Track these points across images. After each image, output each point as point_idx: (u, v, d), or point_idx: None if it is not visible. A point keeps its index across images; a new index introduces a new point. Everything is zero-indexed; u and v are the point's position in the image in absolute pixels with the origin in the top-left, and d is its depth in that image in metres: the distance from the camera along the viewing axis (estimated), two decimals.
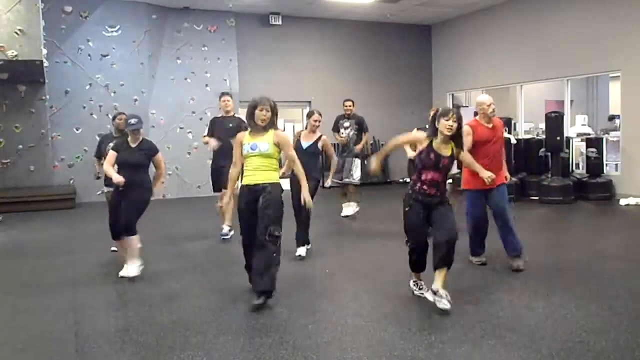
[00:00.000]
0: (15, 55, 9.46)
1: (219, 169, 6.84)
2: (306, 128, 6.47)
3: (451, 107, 4.53)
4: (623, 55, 10.01)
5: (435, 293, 4.13)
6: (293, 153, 4.67)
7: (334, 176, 7.11)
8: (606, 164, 10.67)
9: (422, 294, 4.43)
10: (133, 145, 5.42)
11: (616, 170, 10.79)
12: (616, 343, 3.47)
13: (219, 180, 6.91)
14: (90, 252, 6.63)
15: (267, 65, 12.93)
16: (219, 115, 7.39)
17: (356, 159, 8.60)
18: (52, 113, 11.05)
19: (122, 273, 5.35)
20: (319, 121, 6.32)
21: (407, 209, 4.32)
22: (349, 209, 8.70)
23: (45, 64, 10.18)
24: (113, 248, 6.40)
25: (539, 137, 11.37)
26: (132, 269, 5.27)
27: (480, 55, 13.16)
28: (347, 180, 8.56)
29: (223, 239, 6.99)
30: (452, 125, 4.13)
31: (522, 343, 3.51)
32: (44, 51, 9.99)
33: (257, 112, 4.41)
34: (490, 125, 5.33)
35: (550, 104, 13.45)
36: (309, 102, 13.33)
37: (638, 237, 7.19)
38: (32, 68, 9.87)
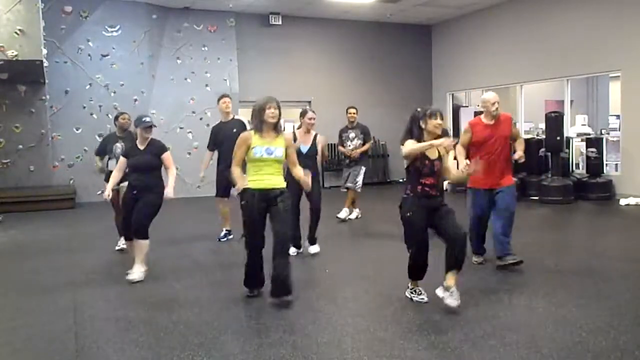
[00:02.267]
0: (15, 55, 9.46)
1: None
2: (299, 128, 6.29)
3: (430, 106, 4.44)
4: (623, 55, 10.01)
5: (447, 289, 4.09)
6: (295, 158, 4.65)
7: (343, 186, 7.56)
8: (606, 164, 10.67)
9: (423, 299, 4.33)
10: (142, 148, 5.35)
11: (616, 170, 10.80)
12: (616, 343, 3.47)
13: (228, 186, 6.67)
14: (90, 252, 6.63)
15: (267, 65, 12.92)
16: (218, 121, 7.17)
17: (362, 167, 8.50)
18: (52, 113, 11.05)
19: (135, 278, 5.23)
20: (314, 119, 6.20)
21: (409, 214, 4.21)
22: (343, 212, 8.57)
23: (45, 64, 10.19)
24: (117, 247, 6.43)
25: (539, 137, 11.37)
26: (136, 273, 5.22)
27: (480, 55, 13.16)
28: (350, 185, 8.47)
29: (221, 240, 7.03)
30: (440, 123, 4.18)
31: (522, 343, 3.51)
32: (44, 51, 10.00)
33: (266, 111, 4.37)
34: (492, 122, 5.29)
35: (550, 104, 13.45)
36: (309, 102, 13.33)
37: (638, 237, 7.19)
38: (32, 68, 9.87)
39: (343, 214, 8.58)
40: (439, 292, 4.18)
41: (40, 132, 10.90)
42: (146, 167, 5.29)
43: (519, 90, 12.48)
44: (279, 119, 4.44)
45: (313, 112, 6.26)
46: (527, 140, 11.06)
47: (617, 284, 4.83)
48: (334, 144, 12.32)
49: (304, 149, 6.08)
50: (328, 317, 4.12)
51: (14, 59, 9.46)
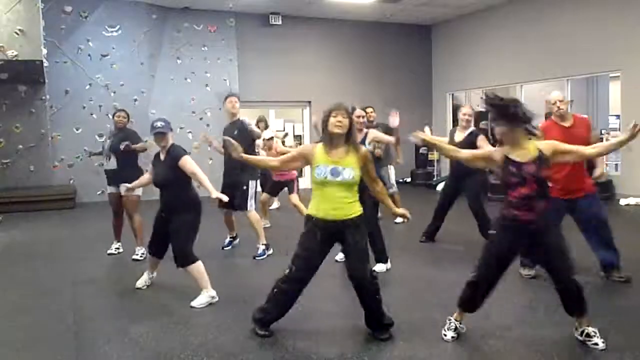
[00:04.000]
0: (15, 55, 9.46)
1: (234, 183, 6.06)
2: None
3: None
4: (623, 55, 10.01)
5: (582, 333, 3.49)
6: (375, 175, 3.76)
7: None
8: (606, 164, 10.66)
9: (455, 336, 3.60)
10: (162, 158, 4.62)
11: (616, 170, 10.79)
12: (616, 343, 3.47)
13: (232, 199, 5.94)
14: (90, 252, 6.62)
15: (267, 65, 12.92)
16: (226, 122, 6.48)
17: (391, 168, 8.24)
18: (52, 113, 11.04)
19: (140, 282, 5.01)
20: (362, 116, 5.49)
21: (492, 232, 3.53)
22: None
23: (45, 64, 10.18)
24: (110, 251, 6.38)
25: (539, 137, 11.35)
26: (200, 298, 4.51)
27: (480, 55, 13.16)
28: (390, 191, 7.95)
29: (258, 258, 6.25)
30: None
31: (522, 343, 3.51)
32: (44, 51, 10.00)
33: (331, 119, 3.53)
34: (568, 124, 4.74)
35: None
36: (309, 102, 13.33)
37: (638, 237, 7.19)
38: (32, 68, 9.87)
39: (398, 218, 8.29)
40: (577, 335, 3.54)
41: (40, 132, 10.90)
42: (163, 181, 4.58)
43: (519, 90, 12.48)
44: (349, 129, 3.55)
45: (363, 109, 5.66)
46: None
47: (617, 283, 4.83)
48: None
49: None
50: (328, 317, 4.12)
51: (14, 59, 9.46)
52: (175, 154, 4.56)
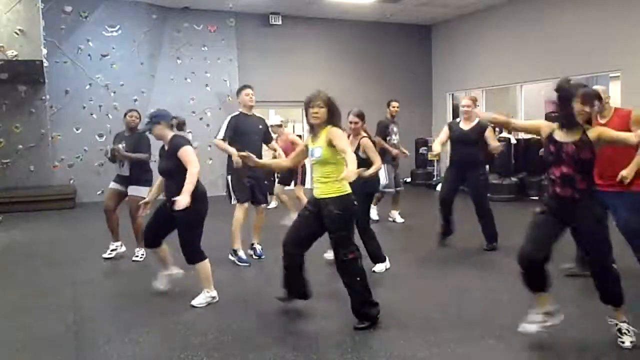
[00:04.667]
0: (15, 55, 9.46)
1: (252, 179, 5.81)
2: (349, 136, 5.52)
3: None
4: (623, 55, 10.01)
5: (620, 331, 3.47)
6: (345, 146, 3.69)
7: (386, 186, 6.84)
8: None
9: (546, 325, 3.48)
10: (167, 148, 4.51)
11: None
12: (616, 343, 3.47)
13: (261, 187, 5.96)
14: (90, 252, 6.62)
15: (267, 65, 12.92)
16: (238, 112, 6.03)
17: (389, 165, 7.97)
18: (52, 113, 11.04)
19: (158, 285, 4.81)
20: (355, 122, 5.61)
21: (537, 210, 3.54)
22: (397, 216, 8.24)
23: (45, 64, 10.18)
24: (106, 255, 6.29)
25: (539, 137, 11.34)
26: (200, 297, 4.50)
27: (480, 55, 13.16)
28: (401, 189, 8.17)
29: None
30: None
31: (522, 343, 3.51)
32: (44, 51, 9.99)
33: (309, 110, 3.85)
34: (604, 121, 4.55)
35: (550, 104, 13.45)
36: None
37: None
38: (32, 68, 9.87)
39: (399, 218, 8.23)
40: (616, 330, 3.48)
41: (40, 132, 10.90)
42: (167, 171, 4.46)
43: (519, 90, 12.48)
44: (328, 118, 3.79)
45: (356, 114, 5.64)
46: (527, 141, 11.15)
47: None
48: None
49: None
50: (328, 317, 4.12)
51: (14, 59, 9.46)
52: (176, 143, 4.44)
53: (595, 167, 3.93)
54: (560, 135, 3.43)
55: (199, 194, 4.31)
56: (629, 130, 4.24)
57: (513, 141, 10.44)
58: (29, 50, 9.54)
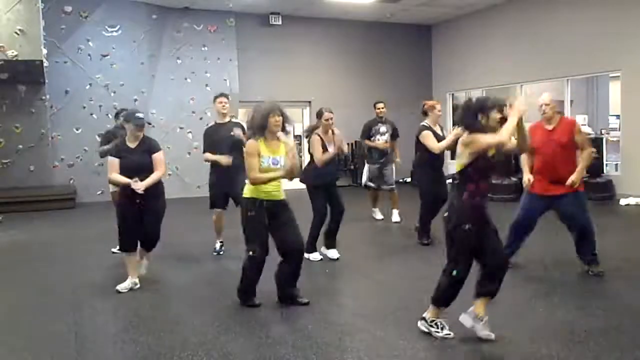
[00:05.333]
0: (15, 55, 9.46)
1: (228, 184, 5.99)
2: (314, 129, 5.94)
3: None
4: (623, 55, 10.01)
5: (481, 320, 3.57)
6: (294, 157, 4.29)
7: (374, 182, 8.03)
8: (606, 164, 10.67)
9: (450, 334, 3.60)
10: (132, 146, 4.86)
11: (616, 170, 10.79)
12: (616, 343, 3.47)
13: (226, 196, 6.17)
14: (90, 252, 6.62)
15: (267, 65, 12.92)
16: (211, 123, 6.50)
17: (392, 166, 8.33)
18: (52, 113, 11.04)
19: (126, 285, 4.92)
20: (331, 118, 5.94)
21: (468, 227, 3.49)
22: (395, 215, 8.36)
23: (45, 64, 10.19)
24: (114, 250, 6.37)
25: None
26: (143, 267, 5.24)
27: (480, 55, 13.16)
28: (389, 187, 8.33)
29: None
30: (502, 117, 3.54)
31: (522, 343, 3.51)
32: (44, 51, 10.00)
33: (270, 120, 4.17)
34: (551, 127, 4.97)
35: None
36: (309, 102, 13.32)
37: (638, 237, 7.19)
38: (32, 68, 9.88)
39: (397, 217, 8.36)
40: (466, 321, 3.60)
41: (40, 132, 10.90)
42: (140, 168, 4.79)
43: (519, 90, 12.48)
44: (283, 126, 4.28)
45: (330, 111, 5.94)
46: None
47: (617, 284, 4.83)
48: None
49: (331, 149, 5.78)
50: (328, 317, 4.12)
51: (14, 59, 9.47)
52: (153, 143, 4.99)
53: (545, 171, 4.80)
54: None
55: (164, 189, 5.05)
56: (573, 139, 4.95)
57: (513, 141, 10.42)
58: (29, 50, 9.54)
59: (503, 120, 3.50)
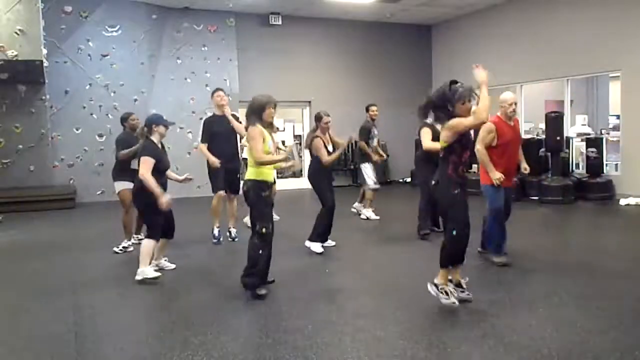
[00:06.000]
0: (15, 55, 9.47)
1: (228, 170, 6.75)
2: (314, 131, 6.30)
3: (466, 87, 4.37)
4: (623, 55, 10.01)
5: (458, 285, 4.16)
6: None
7: (374, 184, 8.33)
8: (606, 164, 10.67)
9: (455, 303, 4.03)
10: (160, 147, 5.39)
11: (616, 170, 10.79)
12: (616, 343, 3.47)
13: (233, 180, 6.85)
14: (90, 252, 6.63)
15: (267, 65, 12.92)
16: (210, 114, 7.05)
17: (371, 164, 8.47)
18: (52, 113, 11.05)
19: (152, 273, 5.20)
20: (330, 122, 6.28)
21: (456, 191, 4.06)
22: (370, 212, 8.60)
23: (45, 64, 10.19)
24: (118, 248, 6.38)
25: (539, 137, 11.36)
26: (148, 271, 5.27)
27: (480, 55, 13.13)
28: (376, 187, 8.55)
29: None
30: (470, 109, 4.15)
31: (522, 343, 3.51)
32: (44, 51, 10.01)
33: (266, 111, 4.57)
34: (512, 124, 5.34)
35: (550, 104, 13.45)
36: (309, 102, 13.33)
37: (638, 237, 7.19)
38: (32, 68, 9.88)
39: (372, 214, 8.60)
40: (432, 289, 4.12)
41: (40, 132, 10.90)
42: (169, 167, 5.43)
43: (519, 90, 12.47)
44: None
45: (328, 115, 6.28)
46: (527, 140, 11.12)
47: (617, 283, 4.83)
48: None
49: (330, 148, 6.21)
50: (328, 317, 4.12)
51: (14, 59, 9.47)
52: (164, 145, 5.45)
53: (509, 164, 5.25)
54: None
55: None
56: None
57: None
58: (29, 50, 9.55)
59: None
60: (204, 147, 6.75)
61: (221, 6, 12.02)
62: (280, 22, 12.93)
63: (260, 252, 4.50)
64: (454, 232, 4.05)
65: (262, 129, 4.54)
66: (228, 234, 7.00)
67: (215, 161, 6.54)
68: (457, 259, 4.15)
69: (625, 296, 4.47)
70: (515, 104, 5.32)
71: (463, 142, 4.08)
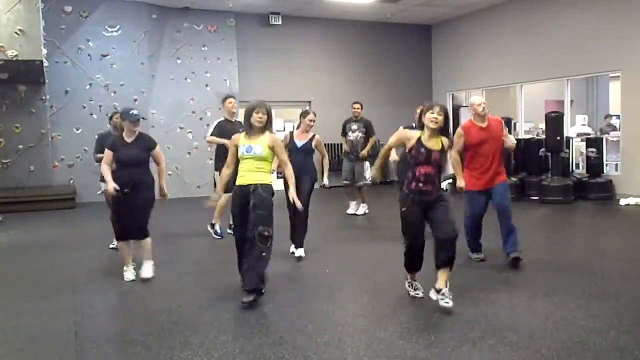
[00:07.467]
0: (15, 55, 9.46)
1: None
2: (298, 127, 6.31)
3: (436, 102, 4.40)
4: (623, 55, 10.01)
5: (438, 292, 4.13)
6: (285, 157, 4.73)
7: (344, 179, 8.37)
8: (606, 164, 10.67)
9: (418, 294, 4.44)
10: (129, 141, 5.17)
11: (616, 170, 10.79)
12: (616, 343, 3.47)
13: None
14: (90, 252, 6.63)
15: (267, 65, 12.92)
16: (222, 118, 7.20)
17: (366, 163, 8.89)
18: (52, 113, 11.05)
19: (129, 276, 5.22)
20: (314, 121, 6.22)
21: (404, 209, 4.28)
22: (361, 208, 9.03)
23: (45, 64, 10.19)
24: (112, 245, 6.38)
25: (539, 137, 11.36)
26: (147, 270, 5.26)
27: (480, 55, 13.16)
28: (361, 183, 8.92)
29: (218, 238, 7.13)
30: (436, 118, 4.15)
31: (522, 343, 3.51)
32: (44, 51, 10.00)
33: (254, 114, 4.54)
34: (485, 125, 5.40)
35: (550, 104, 13.45)
36: (309, 102, 13.32)
37: (638, 237, 7.19)
38: (32, 68, 9.87)
39: (361, 210, 9.02)
40: (432, 295, 4.21)
41: (40, 132, 10.90)
42: (136, 161, 5.15)
43: (519, 90, 12.48)
44: (266, 123, 4.57)
45: (314, 114, 6.30)
46: (527, 141, 11.15)
47: (617, 283, 4.83)
48: (334, 144, 12.38)
49: (299, 143, 6.13)
50: (328, 317, 4.12)
51: (14, 59, 9.46)
52: (149, 139, 5.33)
53: (483, 167, 5.36)
54: (426, 142, 4.21)
55: (154, 182, 5.32)
56: (502, 135, 5.48)
57: (513, 141, 10.43)
58: (29, 50, 9.54)
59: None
60: (212, 137, 6.92)
61: (221, 6, 12.02)
62: (280, 22, 12.92)
63: (268, 253, 4.46)
64: (404, 244, 4.37)
65: (241, 135, 4.62)
66: (228, 228, 7.00)
67: (227, 142, 6.54)
68: (412, 266, 4.41)
69: (625, 296, 4.47)
70: (484, 103, 5.44)
71: (414, 155, 4.23)
